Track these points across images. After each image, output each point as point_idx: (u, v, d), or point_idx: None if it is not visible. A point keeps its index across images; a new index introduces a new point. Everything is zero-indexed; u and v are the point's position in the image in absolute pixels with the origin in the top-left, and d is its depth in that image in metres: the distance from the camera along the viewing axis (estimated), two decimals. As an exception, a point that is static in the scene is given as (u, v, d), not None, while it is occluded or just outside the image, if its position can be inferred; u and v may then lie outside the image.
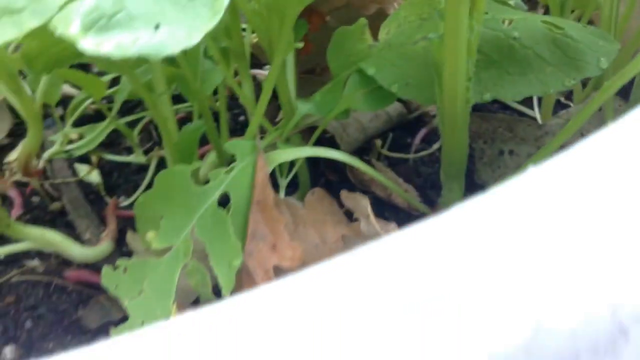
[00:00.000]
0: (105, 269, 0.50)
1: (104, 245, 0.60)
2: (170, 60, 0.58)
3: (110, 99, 0.83)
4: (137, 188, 0.75)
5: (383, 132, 0.73)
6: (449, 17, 0.41)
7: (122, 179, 0.78)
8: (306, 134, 0.67)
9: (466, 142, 0.53)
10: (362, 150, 0.71)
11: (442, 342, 0.18)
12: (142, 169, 0.79)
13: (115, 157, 0.79)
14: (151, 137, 0.84)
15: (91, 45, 0.30)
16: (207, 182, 0.53)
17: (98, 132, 0.80)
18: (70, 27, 0.31)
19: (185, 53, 0.58)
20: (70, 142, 0.81)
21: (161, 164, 0.77)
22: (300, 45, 0.51)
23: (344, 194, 0.52)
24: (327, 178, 0.71)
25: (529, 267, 0.20)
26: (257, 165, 0.54)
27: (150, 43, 0.30)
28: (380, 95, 0.57)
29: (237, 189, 0.53)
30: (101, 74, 0.78)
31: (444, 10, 0.41)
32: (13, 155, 0.81)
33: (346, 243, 0.58)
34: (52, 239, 0.58)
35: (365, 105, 0.57)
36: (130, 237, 0.59)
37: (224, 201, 0.52)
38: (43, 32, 0.44)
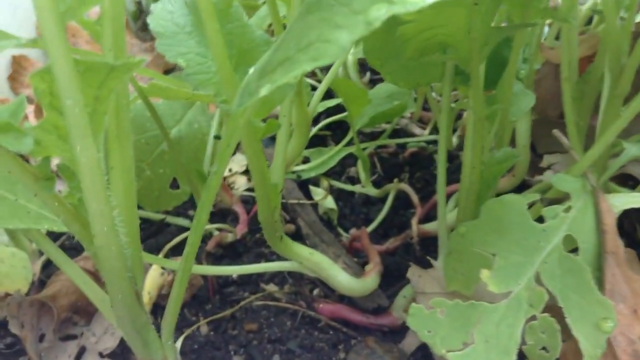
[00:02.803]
0: (415, 308, 0.41)
1: (370, 279, 0.51)
2: (489, 82, 0.50)
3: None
4: (367, 220, 0.67)
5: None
6: None
7: (348, 209, 0.70)
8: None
9: None
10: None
11: None
12: (369, 200, 0.71)
13: (343, 186, 0.72)
14: (375, 171, 0.76)
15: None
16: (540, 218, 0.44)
17: (329, 157, 0.73)
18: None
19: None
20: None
21: (397, 198, 0.69)
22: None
23: None
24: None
25: None
26: (601, 208, 0.44)
27: None
28: None
29: (581, 232, 0.43)
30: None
31: None
32: (233, 167, 0.75)
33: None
34: (321, 262, 0.50)
35: None
36: (412, 272, 0.49)
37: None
38: (423, 14, 0.38)
